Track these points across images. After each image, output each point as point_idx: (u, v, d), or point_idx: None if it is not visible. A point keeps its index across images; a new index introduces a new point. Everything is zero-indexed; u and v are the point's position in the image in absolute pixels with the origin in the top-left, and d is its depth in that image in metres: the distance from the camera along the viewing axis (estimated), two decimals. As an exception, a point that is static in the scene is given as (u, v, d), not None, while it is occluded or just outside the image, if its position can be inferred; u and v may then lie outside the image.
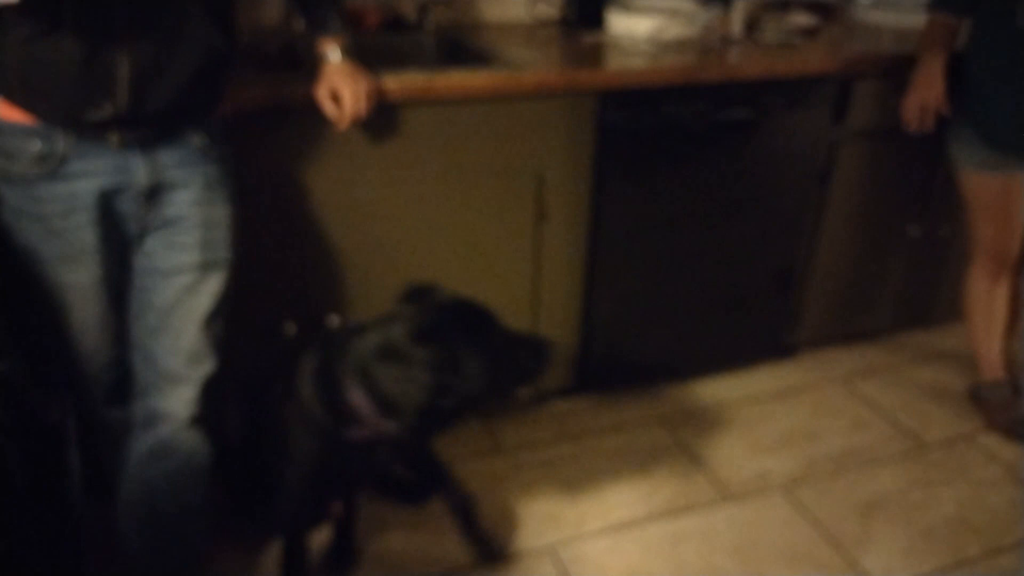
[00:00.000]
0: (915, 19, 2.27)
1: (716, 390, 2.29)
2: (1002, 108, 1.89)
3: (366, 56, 1.60)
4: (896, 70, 2.06)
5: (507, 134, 1.76)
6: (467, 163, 1.75)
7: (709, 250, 2.12)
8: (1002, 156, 1.95)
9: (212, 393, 1.34)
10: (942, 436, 2.14)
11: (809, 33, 2.24)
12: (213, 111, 1.30)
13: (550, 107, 1.77)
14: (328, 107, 1.51)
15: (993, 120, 1.92)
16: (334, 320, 1.78)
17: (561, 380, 2.13)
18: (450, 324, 1.27)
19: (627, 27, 2.05)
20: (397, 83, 1.60)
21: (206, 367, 1.33)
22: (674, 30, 2.00)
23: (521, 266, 1.92)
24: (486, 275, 1.89)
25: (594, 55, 1.96)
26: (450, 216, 1.80)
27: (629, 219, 1.97)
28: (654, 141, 1.90)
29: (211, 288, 1.31)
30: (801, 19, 2.33)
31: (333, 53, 1.51)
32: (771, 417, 2.19)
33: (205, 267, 1.30)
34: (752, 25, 2.21)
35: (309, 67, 1.56)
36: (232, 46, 1.27)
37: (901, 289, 2.44)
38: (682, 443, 2.07)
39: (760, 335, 2.34)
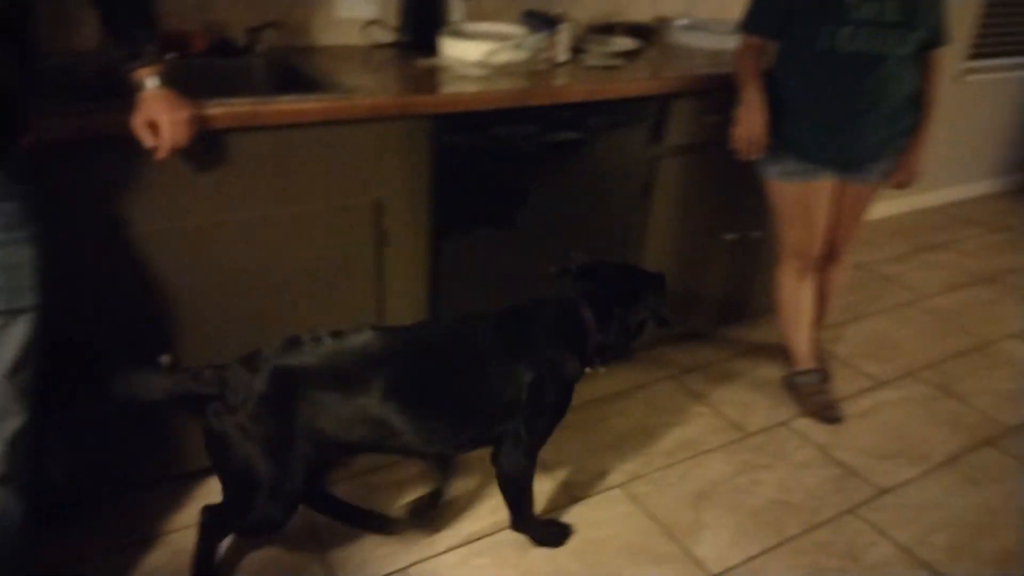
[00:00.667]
0: (724, 41, 2.49)
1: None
2: (803, 122, 2.11)
3: (193, 81, 1.57)
4: (709, 89, 2.25)
5: (343, 159, 1.77)
6: (303, 189, 1.75)
7: (547, 262, 2.21)
8: (803, 165, 2.18)
9: (23, 449, 1.26)
10: (762, 424, 2.35)
11: (630, 56, 2.40)
12: (8, 146, 1.23)
13: (385, 131, 1.80)
14: (145, 137, 1.46)
15: (795, 133, 2.13)
16: (167, 360, 1.71)
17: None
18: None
19: (460, 52, 2.12)
20: (222, 110, 1.57)
21: (14, 422, 1.25)
22: (504, 55, 2.08)
23: (364, 291, 1.93)
24: (329, 302, 1.89)
25: (428, 79, 2.00)
26: (288, 243, 1.78)
27: (469, 238, 2.04)
28: (488, 162, 1.97)
29: (16, 337, 1.23)
30: (623, 42, 2.48)
31: (150, 80, 1.46)
32: (609, 417, 2.32)
33: (8, 314, 1.22)
34: (577, 49, 2.34)
35: (129, 92, 1.50)
36: (25, 76, 1.20)
37: (721, 290, 2.66)
38: (531, 450, 2.15)
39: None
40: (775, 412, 2.41)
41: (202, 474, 1.90)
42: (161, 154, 1.48)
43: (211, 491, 1.89)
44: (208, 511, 1.61)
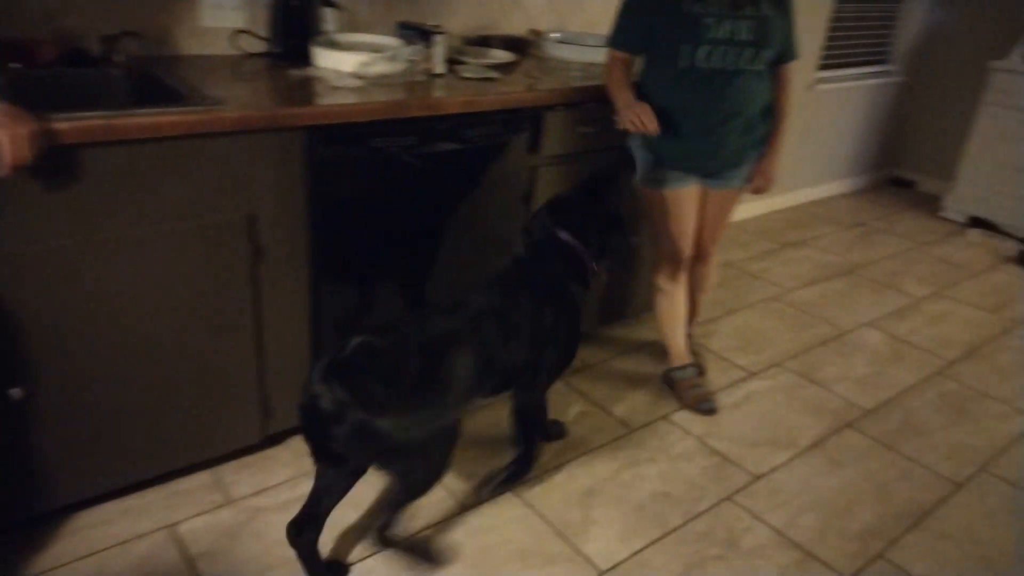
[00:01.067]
0: (596, 54, 2.58)
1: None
2: (670, 133, 2.20)
3: (41, 94, 1.47)
4: (582, 101, 2.32)
5: (211, 173, 1.71)
6: (169, 205, 1.67)
7: (435, 273, 2.22)
8: (672, 174, 2.29)
9: None
10: (644, 419, 2.44)
11: (506, 68, 2.44)
12: None
13: (256, 144, 1.75)
14: (-14, 155, 1.36)
15: (663, 144, 2.24)
16: (18, 394, 1.59)
17: (298, 417, 2.11)
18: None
19: (333, 63, 2.09)
20: (71, 124, 1.48)
21: None
22: (379, 66, 2.07)
23: (241, 307, 1.87)
24: (204, 320, 1.82)
25: (302, 90, 1.97)
26: (156, 263, 1.70)
27: (351, 250, 2.01)
28: (367, 174, 1.95)
29: None
30: (499, 55, 2.53)
31: None
32: (500, 421, 2.34)
33: None
34: (454, 61, 2.36)
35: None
36: None
37: (603, 292, 2.75)
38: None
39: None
40: (656, 407, 2.51)
41: (66, 510, 1.79)
42: (4, 172, 1.38)
43: (81, 525, 1.79)
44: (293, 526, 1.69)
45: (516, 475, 2.07)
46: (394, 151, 1.96)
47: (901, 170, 5.19)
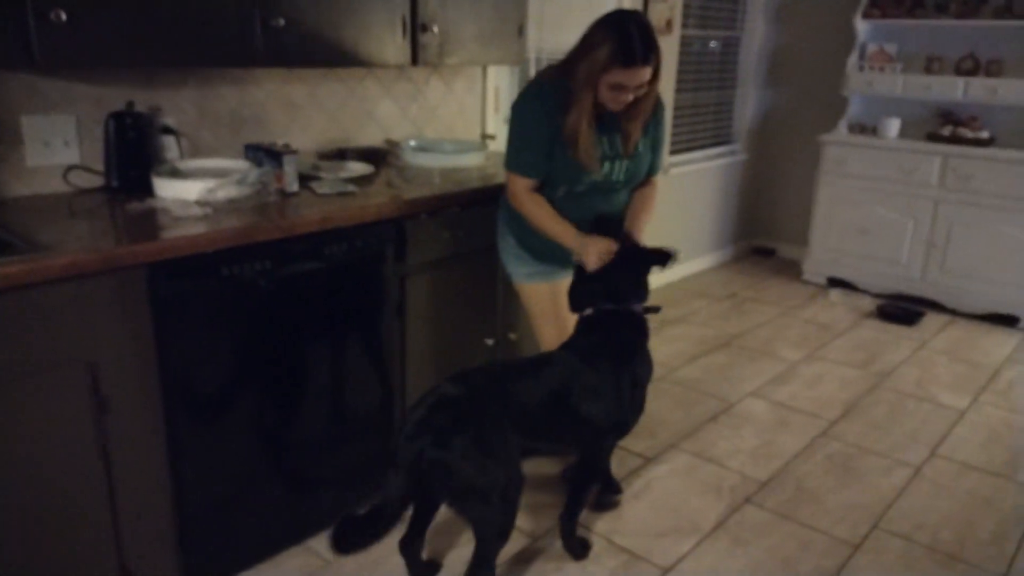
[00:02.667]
0: (454, 160, 2.61)
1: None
2: (537, 237, 2.24)
3: None
4: (444, 207, 2.32)
5: (43, 322, 1.55)
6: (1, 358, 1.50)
7: (306, 399, 2.09)
8: (546, 267, 2.31)
9: None
10: (547, 523, 2.35)
11: (364, 180, 2.41)
12: None
13: (92, 288, 1.61)
14: None
15: (536, 240, 2.26)
16: None
17: (164, 578, 1.89)
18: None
19: (176, 192, 2.00)
20: None
21: None
22: (226, 191, 1.99)
23: (88, 464, 1.68)
24: (50, 480, 1.63)
25: (142, 225, 1.85)
26: (-11, 423, 1.51)
27: (210, 389, 1.86)
28: (221, 306, 1.84)
29: None
30: (356, 167, 2.50)
31: None
32: (394, 552, 2.19)
33: None
34: (309, 177, 2.31)
35: None
36: None
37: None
38: (310, 608, 1.96)
39: (373, 470, 2.35)
40: (558, 510, 2.42)
41: None
42: None
43: None
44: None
45: (574, 515, 2.22)
46: (247, 278, 1.86)
47: (761, 239, 5.51)
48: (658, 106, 2.23)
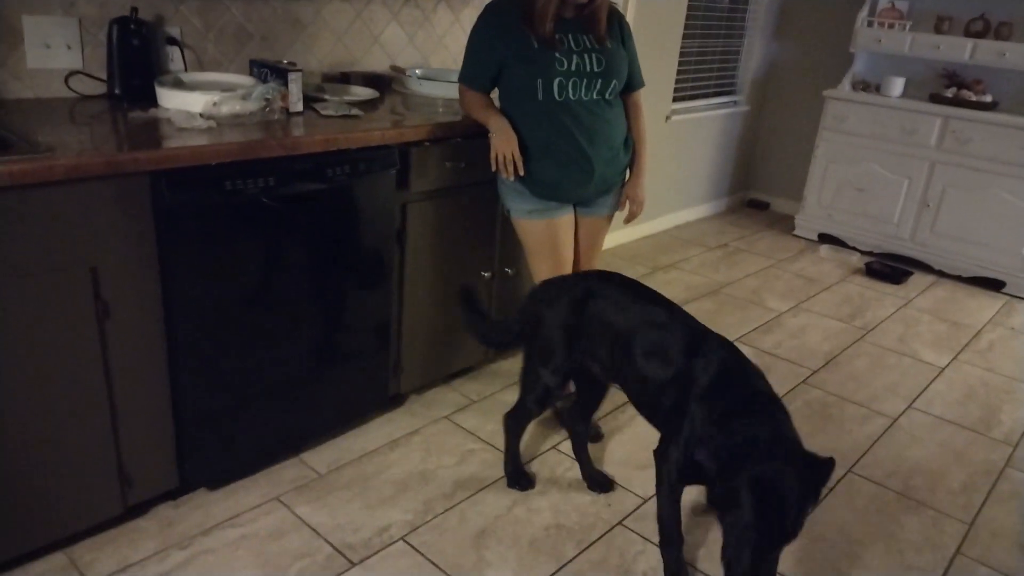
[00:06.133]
0: (456, 90, 2.58)
1: (331, 453, 2.29)
2: (539, 164, 2.24)
3: None
4: (448, 136, 2.31)
5: (45, 224, 1.56)
6: (3, 259, 1.51)
7: (304, 318, 2.12)
8: (545, 204, 2.31)
9: None
10: (534, 451, 2.42)
11: (369, 105, 2.40)
12: None
13: (95, 192, 1.61)
14: None
15: (536, 176, 2.26)
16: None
17: (162, 483, 1.94)
18: None
19: (180, 103, 1.98)
20: None
21: None
22: (231, 105, 1.98)
23: (89, 368, 1.71)
24: (49, 382, 1.65)
25: (146, 133, 1.84)
26: (-8, 321, 1.53)
27: (210, 301, 1.88)
28: (223, 219, 1.84)
29: None
30: (360, 91, 2.48)
31: None
32: (386, 468, 2.26)
33: None
34: (314, 98, 2.29)
35: None
36: None
37: (484, 327, 2.72)
38: (301, 518, 2.02)
39: (368, 390, 2.41)
40: (544, 438, 2.49)
41: None
42: None
43: None
44: (507, 416, 2.20)
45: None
46: (251, 194, 1.86)
47: (756, 193, 5.52)
48: (619, 17, 2.31)
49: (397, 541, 1.98)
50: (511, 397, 2.68)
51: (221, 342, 1.94)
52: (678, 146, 4.59)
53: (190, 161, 1.73)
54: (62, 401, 1.69)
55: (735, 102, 5.07)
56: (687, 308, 3.63)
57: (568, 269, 2.45)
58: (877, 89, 4.56)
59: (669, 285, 3.87)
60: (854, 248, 4.68)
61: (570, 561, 1.97)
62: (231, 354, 1.97)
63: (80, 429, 1.74)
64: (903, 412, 2.86)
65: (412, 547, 1.96)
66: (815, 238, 4.82)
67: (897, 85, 4.45)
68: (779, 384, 2.97)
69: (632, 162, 2.42)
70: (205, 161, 1.76)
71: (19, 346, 1.59)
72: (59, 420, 1.70)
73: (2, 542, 1.69)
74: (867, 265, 4.36)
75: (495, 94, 2.32)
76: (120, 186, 1.64)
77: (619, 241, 4.37)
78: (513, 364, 2.90)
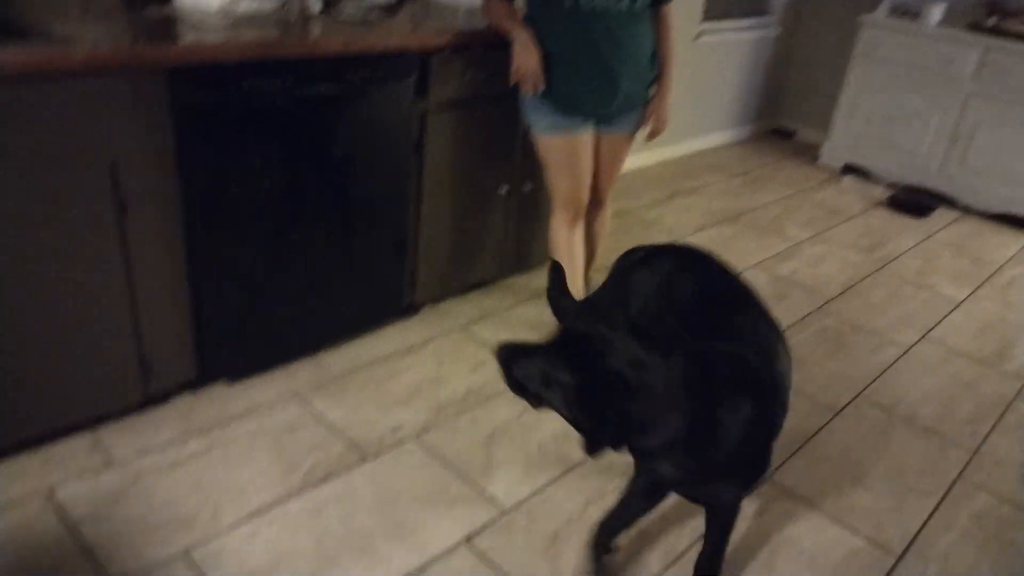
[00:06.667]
0: (479, -1, 2.52)
1: (347, 356, 2.35)
2: (562, 77, 2.20)
3: None
4: (470, 45, 2.26)
5: (63, 117, 1.56)
6: (22, 151, 1.53)
7: (321, 223, 2.13)
8: (567, 119, 2.28)
9: None
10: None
11: (389, 10, 2.35)
12: None
13: (112, 87, 1.61)
14: None
15: (559, 90, 2.21)
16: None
17: (182, 374, 2.01)
18: None
19: (196, 0, 1.95)
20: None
21: None
22: (248, 3, 1.95)
23: (109, 261, 1.74)
24: (72, 274, 1.69)
25: (162, 29, 1.82)
26: (18, 210, 1.56)
27: (228, 201, 1.90)
28: (240, 119, 1.84)
29: None
30: (380, -4, 2.43)
31: None
32: (400, 373, 2.31)
33: None
34: (331, 1, 2.25)
35: None
36: None
37: (501, 241, 2.73)
38: (316, 414, 2.09)
39: (383, 298, 2.44)
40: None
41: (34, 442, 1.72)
42: None
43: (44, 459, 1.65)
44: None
45: None
46: (268, 94, 1.85)
47: (782, 120, 5.40)
48: None
49: (409, 440, 2.04)
50: (525, 312, 2.74)
51: (238, 241, 1.96)
52: (704, 69, 4.47)
53: (209, 57, 1.72)
54: (85, 291, 1.73)
55: (767, 24, 4.90)
56: (705, 234, 3.67)
57: (587, 187, 2.43)
58: (915, 16, 4.39)
59: (688, 211, 3.84)
60: (879, 180, 4.59)
61: (576, 466, 2.03)
62: (248, 254, 1.99)
63: (102, 319, 1.78)
64: (916, 343, 2.86)
65: (423, 447, 2.02)
66: (840, 168, 4.73)
67: (936, 12, 4.28)
68: (793, 310, 2.99)
69: (658, 79, 2.36)
70: (224, 58, 1.74)
71: (42, 238, 1.62)
72: (83, 308, 1.74)
73: (34, 420, 1.78)
74: (891, 197, 4.28)
75: (520, 3, 2.26)
76: (137, 82, 1.64)
77: (638, 164, 4.32)
78: (528, 280, 2.92)
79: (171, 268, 1.86)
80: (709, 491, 1.53)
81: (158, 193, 1.77)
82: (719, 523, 1.61)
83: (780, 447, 2.17)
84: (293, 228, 2.07)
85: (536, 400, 1.38)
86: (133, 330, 1.85)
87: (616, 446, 1.33)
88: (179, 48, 1.69)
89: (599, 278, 2.94)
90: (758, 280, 3.20)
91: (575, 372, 1.26)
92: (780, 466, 2.12)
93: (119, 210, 1.71)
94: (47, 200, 1.60)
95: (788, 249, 3.55)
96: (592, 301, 1.99)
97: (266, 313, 2.11)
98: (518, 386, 1.37)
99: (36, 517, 1.67)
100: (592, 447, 1.32)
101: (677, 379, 1.27)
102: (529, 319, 2.70)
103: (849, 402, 2.46)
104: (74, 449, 1.86)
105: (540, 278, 2.92)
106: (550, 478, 1.98)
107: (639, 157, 4.27)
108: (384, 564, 1.67)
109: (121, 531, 1.66)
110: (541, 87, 2.20)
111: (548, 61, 2.19)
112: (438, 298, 2.66)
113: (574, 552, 1.77)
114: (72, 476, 1.78)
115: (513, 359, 1.35)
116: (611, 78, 2.21)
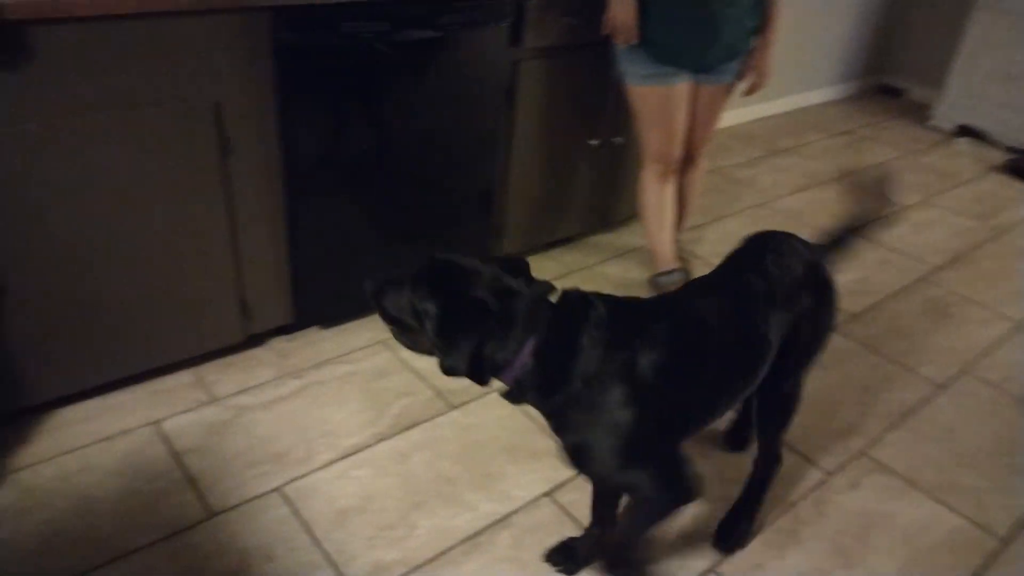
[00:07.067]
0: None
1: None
2: (660, 25, 2.10)
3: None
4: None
5: (171, 56, 1.59)
6: (130, 89, 1.57)
7: (411, 172, 2.13)
8: (662, 69, 2.19)
9: None
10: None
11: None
12: None
13: (217, 25, 1.63)
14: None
15: (654, 36, 2.13)
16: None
17: (279, 318, 2.06)
18: None
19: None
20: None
21: None
22: (349, -55, 1.93)
23: (212, 201, 1.79)
24: (176, 214, 1.74)
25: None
26: (124, 149, 1.61)
27: (324, 145, 1.91)
28: (338, 62, 1.84)
29: None
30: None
31: None
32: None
33: None
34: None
35: None
36: None
37: (588, 196, 2.68)
38: (405, 361, 2.11)
39: (469, 250, 2.42)
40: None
41: (49, 406, 1.78)
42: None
43: (65, 420, 1.75)
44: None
45: None
46: (366, 38, 1.84)
47: (890, 78, 5.07)
48: None
49: (491, 392, 2.04)
50: (610, 269, 2.70)
51: (334, 188, 1.98)
52: (808, 20, 4.22)
53: (308, -1, 1.72)
54: (189, 232, 1.78)
55: (880, -26, 4.59)
56: (803, 195, 3.50)
57: (680, 141, 2.34)
58: (1051, -38, 4.02)
59: (786, 171, 3.68)
60: (996, 143, 4.28)
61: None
62: (343, 201, 2.02)
63: (205, 259, 1.84)
64: (1030, 317, 2.68)
65: (503, 400, 2.02)
66: (953, 129, 4.42)
67: (1076, -43, 3.91)
68: (897, 278, 2.84)
69: (761, 28, 2.23)
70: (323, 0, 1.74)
71: (150, 176, 1.67)
72: (186, 249, 1.80)
73: (143, 355, 1.87)
74: (1009, 162, 3.98)
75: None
76: (242, 21, 1.65)
77: (734, 121, 4.15)
78: (614, 238, 2.86)
79: (271, 213, 1.90)
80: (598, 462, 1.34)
81: (260, 137, 1.79)
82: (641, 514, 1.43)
83: (877, 418, 2.10)
84: (384, 176, 2.07)
85: (409, 334, 1.31)
86: (235, 273, 1.90)
87: (476, 376, 1.26)
88: (281, -13, 1.70)
89: (690, 237, 2.87)
90: (858, 245, 3.04)
91: (438, 298, 1.22)
92: (878, 440, 2.03)
93: (223, 152, 1.74)
94: (156, 136, 1.64)
95: (893, 213, 3.36)
96: None
97: (357, 261, 2.13)
98: (392, 320, 1.32)
99: (144, 446, 1.76)
100: (447, 369, 1.24)
101: (538, 308, 1.24)
102: (614, 277, 2.65)
103: (956, 376, 2.33)
104: (179, 384, 1.94)
105: (626, 236, 2.87)
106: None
107: (733, 114, 4.10)
108: (470, 511, 1.69)
109: (222, 463, 1.73)
110: (633, 41, 2.11)
111: (645, 8, 2.10)
112: (522, 253, 2.63)
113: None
114: (178, 410, 1.87)
115: (383, 292, 1.31)
116: (713, 25, 2.10)
